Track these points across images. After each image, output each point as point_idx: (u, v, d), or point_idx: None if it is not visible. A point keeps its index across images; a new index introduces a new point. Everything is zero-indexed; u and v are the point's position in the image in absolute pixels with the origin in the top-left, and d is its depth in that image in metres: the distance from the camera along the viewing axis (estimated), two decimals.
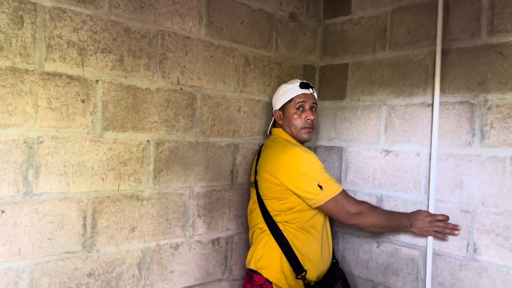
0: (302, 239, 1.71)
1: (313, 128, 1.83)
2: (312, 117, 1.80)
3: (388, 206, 1.99)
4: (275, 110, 1.90)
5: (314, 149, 2.36)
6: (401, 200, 1.94)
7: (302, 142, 1.85)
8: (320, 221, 1.77)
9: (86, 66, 1.51)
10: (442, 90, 1.80)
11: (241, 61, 2.01)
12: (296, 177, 1.64)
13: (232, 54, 1.97)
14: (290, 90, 1.83)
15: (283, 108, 1.85)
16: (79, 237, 1.53)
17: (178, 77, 1.77)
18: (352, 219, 1.67)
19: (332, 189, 1.64)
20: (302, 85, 1.83)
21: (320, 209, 1.69)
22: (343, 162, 2.21)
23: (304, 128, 1.80)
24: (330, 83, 2.29)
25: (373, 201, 2.06)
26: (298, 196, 1.67)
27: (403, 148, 1.95)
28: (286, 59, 2.22)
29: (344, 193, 1.68)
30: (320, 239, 1.75)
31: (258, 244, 1.73)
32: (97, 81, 1.54)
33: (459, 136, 1.75)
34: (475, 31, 1.71)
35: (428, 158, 1.84)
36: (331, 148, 2.28)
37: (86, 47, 1.51)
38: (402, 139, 1.95)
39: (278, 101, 1.87)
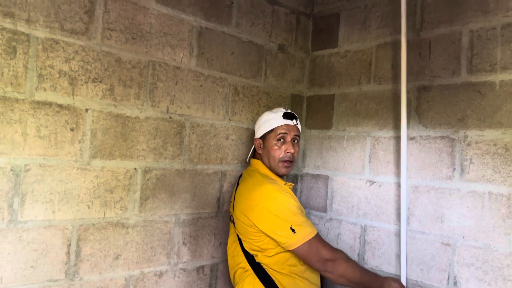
0: (287, 276, 1.63)
1: (292, 161, 1.74)
2: (292, 151, 1.71)
3: (372, 236, 2.02)
4: (256, 138, 1.81)
5: (301, 177, 2.40)
6: (384, 231, 1.98)
7: (279, 175, 1.76)
8: None
9: (76, 95, 1.54)
10: (424, 125, 1.86)
11: (230, 91, 2.06)
12: (268, 219, 1.56)
13: (222, 83, 2.01)
14: (272, 120, 1.74)
15: (263, 137, 1.77)
16: (62, 265, 1.52)
17: (167, 106, 1.81)
18: (325, 265, 1.56)
19: (305, 233, 1.55)
20: (286, 116, 1.74)
21: (293, 252, 1.58)
22: (329, 190, 2.25)
23: (283, 161, 1.71)
24: (317, 113, 2.35)
25: (357, 231, 2.09)
26: (271, 238, 1.58)
27: (386, 179, 1.99)
28: (275, 88, 2.27)
29: (318, 237, 1.58)
30: (306, 274, 1.67)
31: (243, 285, 1.64)
32: (87, 109, 1.56)
33: (440, 170, 1.80)
34: (455, 69, 1.78)
35: (411, 190, 1.88)
36: (317, 177, 2.32)
37: (77, 76, 1.54)
38: (386, 170, 2.00)
39: (260, 129, 1.78)
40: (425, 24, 1.90)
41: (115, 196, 1.65)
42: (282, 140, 1.73)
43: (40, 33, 1.45)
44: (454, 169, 1.75)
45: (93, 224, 1.60)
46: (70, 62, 1.52)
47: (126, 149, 1.68)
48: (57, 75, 1.49)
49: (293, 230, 1.54)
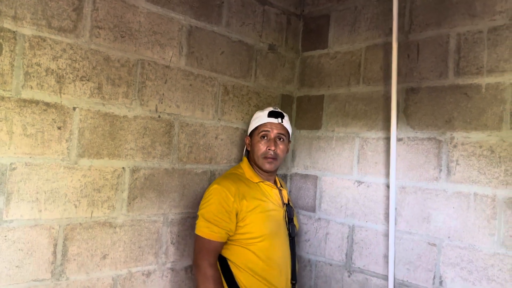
0: (245, 273, 1.64)
1: (275, 158, 1.76)
2: (273, 148, 1.74)
3: (359, 236, 2.04)
4: (247, 136, 1.90)
5: (290, 177, 2.40)
6: (372, 231, 1.99)
7: (265, 171, 1.79)
8: (265, 248, 1.66)
9: (64, 94, 1.52)
10: (412, 126, 1.88)
11: (220, 90, 2.06)
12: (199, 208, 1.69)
13: (212, 83, 2.01)
14: (258, 118, 1.82)
15: (251, 135, 1.85)
16: (48, 264, 1.51)
17: (156, 105, 1.80)
18: (194, 265, 1.64)
19: (199, 227, 1.63)
20: (270, 114, 1.79)
21: None
22: (318, 190, 2.26)
23: (265, 158, 1.75)
24: (306, 113, 2.36)
25: (345, 231, 2.10)
26: None
27: (374, 179, 2.01)
28: (265, 88, 2.27)
29: (204, 241, 1.60)
30: (266, 274, 1.65)
31: None
32: (74, 108, 1.55)
33: (427, 171, 1.82)
34: (443, 71, 1.80)
35: (398, 191, 1.90)
36: (306, 176, 2.33)
37: (64, 75, 1.52)
38: (374, 171, 2.01)
39: (249, 127, 1.88)
40: (414, 26, 1.92)
41: (103, 195, 1.64)
42: (265, 137, 1.77)
43: (27, 30, 1.43)
44: (441, 170, 1.77)
45: (80, 224, 1.59)
46: (57, 60, 1.50)
47: (114, 148, 1.67)
48: (44, 73, 1.47)
49: (198, 216, 1.66)
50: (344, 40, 2.21)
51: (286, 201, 1.84)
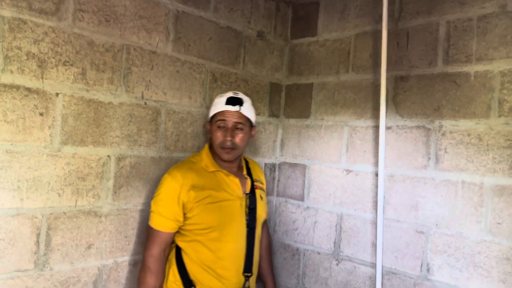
0: (197, 266, 1.62)
1: (234, 148, 1.67)
2: (229, 138, 1.64)
3: (347, 224, 2.04)
4: (207, 121, 1.79)
5: (279, 166, 2.39)
6: (360, 219, 1.99)
7: (224, 161, 1.72)
8: (214, 239, 1.63)
9: (46, 79, 1.47)
10: (401, 114, 1.88)
11: (208, 77, 2.02)
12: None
13: (199, 70, 1.97)
14: (216, 104, 1.70)
15: (211, 121, 1.73)
16: (31, 254, 1.47)
17: (142, 92, 1.76)
18: (143, 255, 1.60)
19: (151, 217, 1.60)
20: (228, 101, 1.66)
21: None
22: (306, 179, 2.25)
23: (223, 148, 1.66)
24: (295, 102, 2.34)
25: (333, 219, 2.10)
26: None
27: (363, 168, 2.00)
28: (253, 76, 2.24)
29: (152, 231, 1.58)
30: (220, 270, 1.63)
31: (168, 271, 1.67)
32: (57, 94, 1.50)
33: (416, 159, 1.82)
34: (432, 59, 1.80)
35: (387, 179, 1.90)
36: (295, 165, 2.31)
37: (46, 59, 1.47)
38: (363, 159, 2.01)
39: (209, 112, 1.74)
40: (404, 14, 1.90)
41: (88, 184, 1.60)
42: (222, 126, 1.67)
43: (6, 12, 1.37)
44: (429, 158, 1.78)
45: (64, 213, 1.55)
46: (39, 44, 1.45)
47: (99, 135, 1.63)
48: (25, 57, 1.42)
49: (151, 209, 1.62)
50: (334, 27, 2.19)
51: (247, 191, 1.75)
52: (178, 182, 1.59)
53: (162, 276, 1.60)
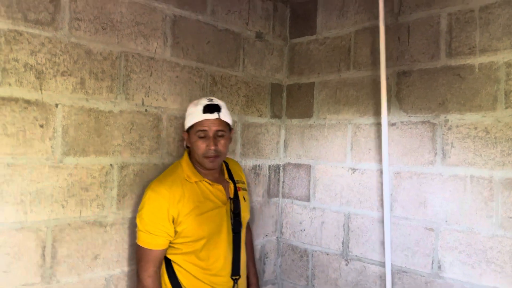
0: (188, 276, 1.60)
1: (217, 156, 1.61)
2: (213, 147, 1.58)
3: (355, 224, 2.01)
4: (183, 131, 1.69)
5: (283, 167, 2.37)
6: (368, 218, 1.97)
7: (208, 169, 1.66)
8: (204, 249, 1.60)
9: (44, 90, 1.46)
10: (405, 110, 1.85)
11: (208, 81, 2.00)
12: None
13: (199, 74, 1.95)
14: (192, 114, 1.62)
15: (188, 131, 1.65)
16: (37, 268, 1.46)
17: (142, 99, 1.74)
18: (138, 277, 1.54)
19: (138, 236, 1.54)
20: (205, 109, 1.59)
21: None
22: (311, 179, 2.23)
23: (206, 157, 1.60)
24: (297, 102, 2.31)
25: (340, 219, 2.07)
26: None
27: (368, 166, 1.98)
28: (254, 78, 2.22)
29: (144, 250, 1.52)
30: (205, 269, 1.61)
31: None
32: (56, 105, 1.49)
33: (422, 155, 1.79)
34: (435, 53, 1.77)
35: (393, 176, 1.88)
36: (299, 166, 2.29)
37: (44, 70, 1.45)
38: (368, 157, 1.98)
39: (185, 122, 1.66)
40: (404, 8, 1.88)
41: (91, 194, 1.59)
42: (203, 136, 1.60)
43: (2, 24, 1.36)
44: (436, 153, 1.75)
45: (69, 224, 1.53)
46: (36, 55, 1.43)
47: (101, 144, 1.61)
48: (23, 69, 1.41)
49: (138, 228, 1.54)
50: (333, 25, 2.16)
51: (231, 195, 1.72)
52: (165, 197, 1.54)
53: None
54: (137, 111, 1.72)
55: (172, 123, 1.85)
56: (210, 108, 1.60)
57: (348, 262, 2.03)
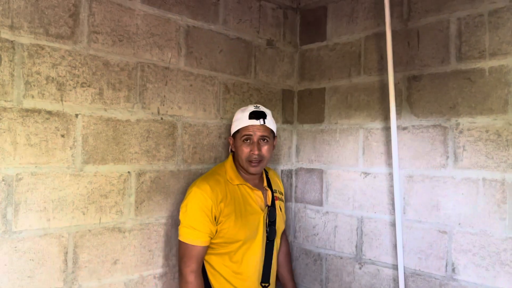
0: (216, 275, 1.67)
1: (260, 161, 1.69)
2: (256, 152, 1.66)
3: (368, 227, 2.03)
4: (229, 136, 1.80)
5: (295, 172, 2.39)
6: (381, 222, 1.99)
7: (251, 174, 1.74)
8: (238, 253, 1.66)
9: (65, 101, 1.51)
10: (416, 114, 1.87)
11: (220, 89, 2.04)
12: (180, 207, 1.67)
13: (212, 82, 2.00)
14: (239, 120, 1.72)
15: (234, 136, 1.75)
16: (60, 273, 1.51)
17: (158, 108, 1.79)
18: (178, 271, 1.63)
19: (181, 232, 1.61)
20: (251, 115, 1.69)
21: None
22: (324, 184, 2.25)
23: (249, 161, 1.68)
24: (308, 107, 2.34)
25: (354, 223, 2.09)
26: None
27: (380, 170, 2.00)
28: (265, 84, 2.26)
29: (187, 246, 1.58)
30: (235, 273, 1.67)
31: None
32: (76, 115, 1.54)
33: (434, 158, 1.81)
34: (445, 57, 1.79)
35: (405, 180, 1.89)
36: (311, 171, 2.32)
37: (65, 82, 1.51)
38: (380, 161, 2.00)
39: (232, 128, 1.78)
40: (413, 13, 1.90)
41: (110, 200, 1.64)
42: (248, 141, 1.69)
43: (25, 39, 1.42)
44: (448, 157, 1.76)
45: (89, 230, 1.58)
46: (57, 68, 1.49)
47: (119, 152, 1.66)
48: (45, 82, 1.46)
49: (180, 222, 1.63)
50: (343, 31, 2.19)
51: (269, 203, 1.78)
52: (209, 194, 1.61)
53: None
54: (153, 119, 1.77)
55: (187, 130, 1.89)
56: (256, 115, 1.69)
57: (362, 266, 2.05)
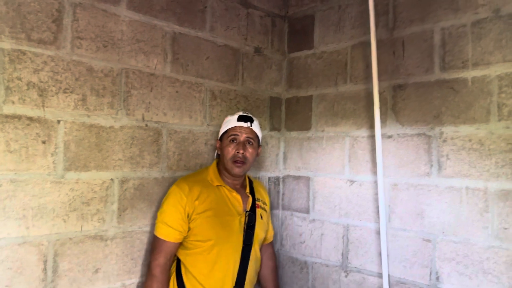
0: (188, 275, 1.67)
1: (244, 162, 1.74)
2: (241, 151, 1.73)
3: (354, 235, 2.03)
4: (217, 140, 1.87)
5: (283, 179, 2.39)
6: (366, 230, 1.98)
7: (234, 176, 1.78)
8: (211, 252, 1.66)
9: (47, 107, 1.50)
10: (401, 123, 1.88)
11: (207, 96, 2.04)
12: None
13: (198, 89, 1.99)
14: (228, 122, 1.80)
15: (221, 138, 1.82)
16: (39, 282, 1.48)
17: (143, 114, 1.78)
18: (148, 267, 1.65)
19: (156, 227, 1.66)
20: (240, 118, 1.78)
21: None
22: (310, 191, 2.25)
23: (234, 161, 1.73)
24: (296, 114, 2.35)
25: (340, 230, 2.09)
26: None
27: (366, 178, 2.00)
28: (253, 91, 2.26)
29: (158, 240, 1.63)
30: (207, 274, 1.66)
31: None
32: (58, 121, 1.52)
33: (418, 166, 1.81)
34: (429, 67, 1.80)
35: (390, 188, 1.90)
36: (298, 178, 2.31)
37: (47, 88, 1.50)
38: (365, 169, 2.01)
39: (220, 131, 1.85)
40: (398, 23, 1.91)
41: (92, 208, 1.61)
42: (234, 141, 1.77)
43: (6, 44, 1.40)
44: (432, 165, 1.77)
45: (70, 238, 1.56)
46: (39, 73, 1.48)
47: (102, 159, 1.64)
48: (26, 87, 1.45)
49: (157, 219, 1.68)
50: (330, 39, 2.20)
51: (247, 208, 1.80)
52: (185, 193, 1.67)
53: (167, 286, 1.64)
54: (138, 126, 1.76)
55: (172, 137, 1.88)
56: (244, 118, 1.80)
57: (348, 274, 2.04)
